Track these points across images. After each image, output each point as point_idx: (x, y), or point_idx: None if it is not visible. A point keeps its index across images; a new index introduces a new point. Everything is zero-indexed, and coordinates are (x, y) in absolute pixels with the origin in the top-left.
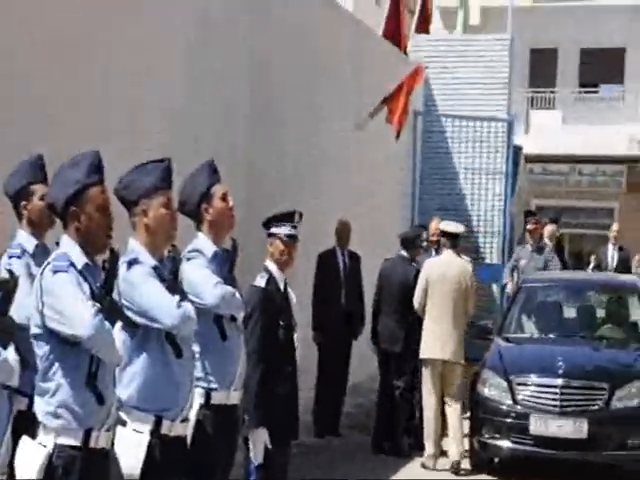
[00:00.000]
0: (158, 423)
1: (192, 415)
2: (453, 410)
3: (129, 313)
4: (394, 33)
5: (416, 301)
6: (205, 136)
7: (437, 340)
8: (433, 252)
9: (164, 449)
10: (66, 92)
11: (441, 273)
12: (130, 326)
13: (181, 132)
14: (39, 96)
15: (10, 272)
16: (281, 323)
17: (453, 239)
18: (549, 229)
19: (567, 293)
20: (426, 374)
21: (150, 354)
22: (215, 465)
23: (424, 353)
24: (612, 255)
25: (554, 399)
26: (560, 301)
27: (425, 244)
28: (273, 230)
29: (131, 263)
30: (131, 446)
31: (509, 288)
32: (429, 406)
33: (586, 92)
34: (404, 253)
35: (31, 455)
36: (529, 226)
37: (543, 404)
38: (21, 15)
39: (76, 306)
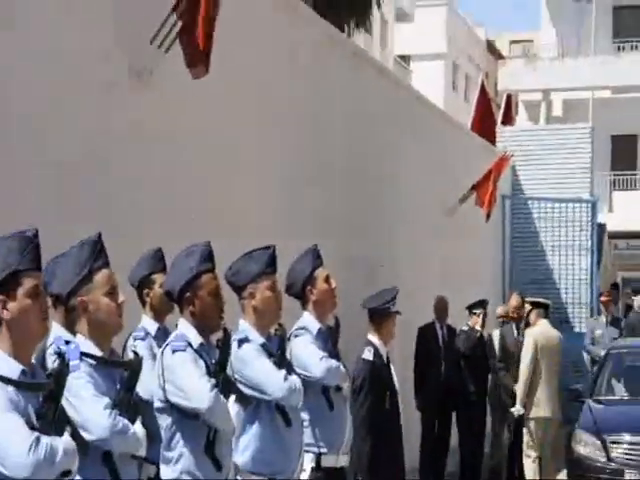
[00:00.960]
0: None
1: (304, 477)
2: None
3: (241, 387)
4: (483, 126)
5: (527, 366)
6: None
7: (550, 401)
8: (513, 327)
9: None
10: None
11: (545, 339)
12: (243, 399)
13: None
14: None
15: (135, 353)
16: (387, 393)
17: (545, 309)
18: (639, 299)
19: None
20: (535, 432)
21: (262, 423)
22: None
23: (537, 412)
24: None
25: None
26: None
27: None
28: (391, 309)
29: (242, 341)
30: None
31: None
32: (532, 461)
33: None
34: None
35: None
36: (602, 298)
37: (636, 460)
38: None
39: (194, 382)
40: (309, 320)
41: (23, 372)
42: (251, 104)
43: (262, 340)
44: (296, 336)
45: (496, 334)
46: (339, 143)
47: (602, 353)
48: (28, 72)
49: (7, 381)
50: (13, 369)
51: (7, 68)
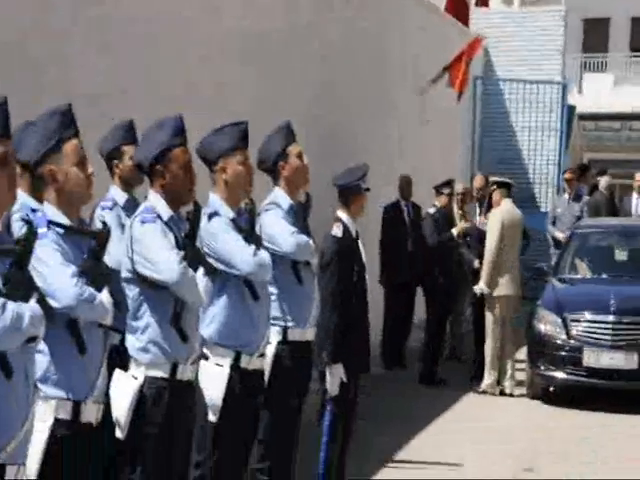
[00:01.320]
0: (237, 358)
1: (270, 350)
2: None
3: (210, 260)
4: (456, 7)
5: (493, 245)
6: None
7: (513, 279)
8: (477, 205)
9: (243, 381)
10: None
11: (510, 219)
12: (211, 272)
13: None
14: None
15: (103, 223)
16: (355, 268)
17: (508, 189)
18: (605, 179)
19: (618, 237)
20: (498, 309)
21: (229, 297)
22: (291, 395)
23: (501, 290)
24: (636, 204)
25: (606, 334)
26: (611, 245)
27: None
28: (361, 186)
29: (212, 215)
30: (213, 378)
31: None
32: (495, 337)
33: (635, 57)
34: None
35: (124, 386)
36: (566, 175)
37: (596, 338)
38: None
39: (163, 254)
40: (280, 195)
41: None
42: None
43: (232, 214)
44: (267, 211)
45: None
46: (315, 20)
47: (559, 234)
48: None
49: None
50: None
51: None
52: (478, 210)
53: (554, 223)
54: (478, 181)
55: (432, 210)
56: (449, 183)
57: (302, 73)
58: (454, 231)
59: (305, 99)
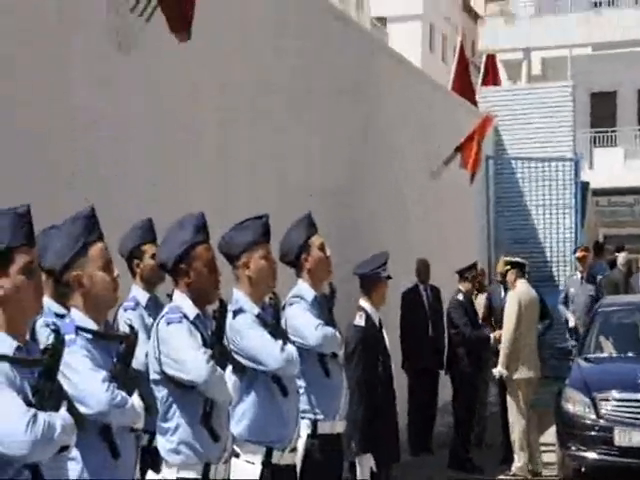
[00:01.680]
0: (269, 454)
1: (300, 445)
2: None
3: (238, 357)
4: (463, 87)
5: (511, 328)
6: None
7: (532, 361)
8: (501, 288)
9: (275, 477)
10: None
11: (527, 300)
12: (239, 369)
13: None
14: None
15: (130, 327)
16: (380, 357)
17: (522, 268)
18: (623, 256)
19: None
20: (521, 392)
21: (258, 393)
22: None
23: (520, 374)
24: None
25: (636, 412)
26: (635, 322)
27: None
28: (381, 274)
29: (236, 312)
30: (245, 476)
31: (571, 322)
32: (520, 419)
33: None
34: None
35: None
36: (578, 254)
37: (626, 417)
38: None
39: (190, 353)
40: (304, 288)
41: (18, 348)
42: (241, 69)
43: (257, 310)
44: (291, 304)
45: (481, 295)
46: (318, 116)
47: (570, 317)
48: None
49: (2, 358)
50: (8, 345)
51: None
52: (503, 293)
53: (566, 303)
54: (501, 264)
55: (460, 297)
56: (474, 266)
57: (323, 161)
58: (492, 336)
59: (328, 185)
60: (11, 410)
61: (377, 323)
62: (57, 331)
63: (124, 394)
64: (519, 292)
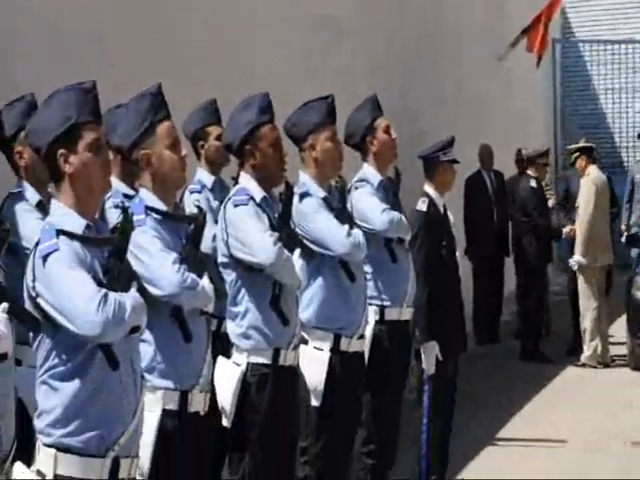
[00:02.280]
0: (337, 341)
1: (368, 331)
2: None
3: (304, 241)
4: None
5: (589, 214)
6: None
7: (607, 248)
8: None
9: (344, 364)
10: None
11: (601, 185)
12: (306, 253)
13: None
14: None
15: (199, 207)
16: (444, 243)
17: (591, 153)
18: None
19: None
20: (595, 280)
21: (325, 279)
22: (391, 376)
23: (596, 260)
24: None
25: None
26: None
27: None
28: (441, 157)
29: (303, 195)
30: (314, 363)
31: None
32: (592, 309)
33: None
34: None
35: (228, 373)
36: None
37: None
38: None
39: (257, 236)
40: (369, 171)
41: (87, 227)
42: None
43: (323, 194)
44: (356, 188)
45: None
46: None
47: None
48: None
49: (72, 236)
50: (77, 224)
51: None
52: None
53: (632, 190)
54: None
55: (533, 184)
56: (546, 153)
57: (386, 49)
58: (564, 230)
59: (388, 71)
60: (82, 290)
61: (441, 208)
62: (126, 210)
63: (194, 276)
64: (593, 177)
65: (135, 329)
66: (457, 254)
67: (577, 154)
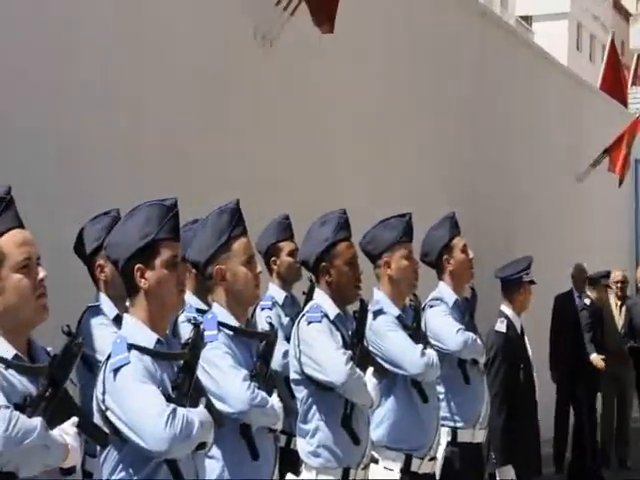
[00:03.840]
0: (408, 461)
1: (440, 453)
2: None
3: (378, 359)
4: (612, 87)
5: None
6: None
7: None
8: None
9: None
10: None
11: None
12: (380, 372)
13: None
14: None
15: (271, 325)
16: (521, 365)
17: None
18: None
19: None
20: None
21: (398, 397)
22: None
23: None
24: None
25: None
26: None
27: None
28: (524, 278)
29: (377, 313)
30: None
31: None
32: None
33: None
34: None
35: None
36: None
37: None
38: None
39: (330, 354)
40: (445, 290)
41: (159, 341)
42: (376, 66)
43: (397, 312)
44: (431, 307)
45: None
46: (465, 110)
47: None
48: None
49: (144, 350)
50: (149, 338)
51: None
52: None
53: None
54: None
55: (587, 301)
56: (607, 274)
57: (457, 158)
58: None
59: (467, 184)
60: (151, 405)
61: (519, 329)
62: (198, 326)
63: (264, 394)
64: None
65: (202, 445)
66: (534, 376)
67: None
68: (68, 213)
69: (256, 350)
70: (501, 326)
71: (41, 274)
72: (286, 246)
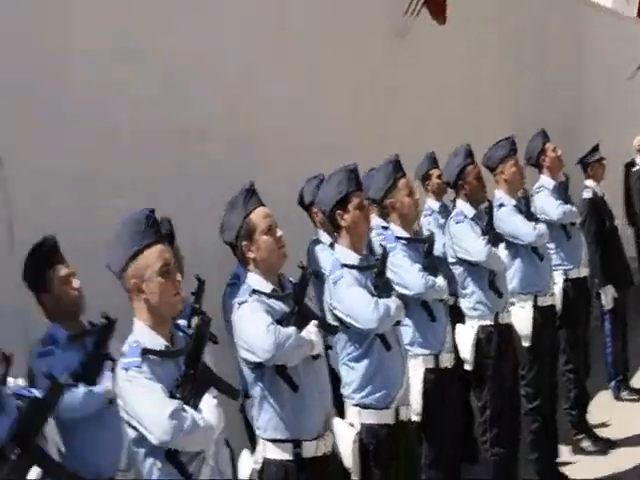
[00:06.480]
0: (535, 299)
1: (558, 288)
2: None
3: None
4: None
5: None
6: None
7: None
8: None
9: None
10: None
11: None
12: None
13: None
14: None
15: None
16: (606, 220)
17: None
18: None
19: None
20: None
21: (522, 258)
22: (579, 315)
23: None
24: None
25: None
26: None
27: None
28: (589, 159)
29: (500, 206)
30: (520, 320)
31: None
32: None
33: None
34: None
35: (465, 336)
36: None
37: None
38: None
39: (475, 242)
40: (546, 180)
41: (361, 259)
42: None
43: (514, 202)
44: (537, 192)
45: None
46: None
47: None
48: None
49: (348, 266)
50: (353, 257)
51: None
52: None
53: None
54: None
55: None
56: None
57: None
58: None
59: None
60: (364, 298)
61: (600, 195)
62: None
63: (431, 276)
64: None
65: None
66: (616, 224)
67: None
68: None
69: (422, 251)
70: (587, 194)
71: (278, 233)
72: (436, 171)
